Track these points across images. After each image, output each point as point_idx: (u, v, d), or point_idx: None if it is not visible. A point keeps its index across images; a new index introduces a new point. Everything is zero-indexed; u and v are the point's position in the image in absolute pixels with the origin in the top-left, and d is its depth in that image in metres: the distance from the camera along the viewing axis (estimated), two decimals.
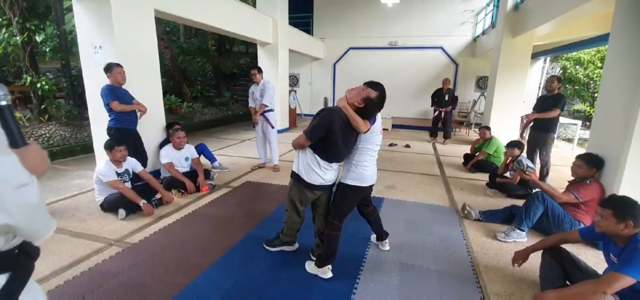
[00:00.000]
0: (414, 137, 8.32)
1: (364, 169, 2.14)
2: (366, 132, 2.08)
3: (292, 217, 2.37)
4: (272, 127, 4.73)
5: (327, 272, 2.23)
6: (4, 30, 6.46)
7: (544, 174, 4.38)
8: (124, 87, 3.66)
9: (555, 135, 4.43)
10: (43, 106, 6.54)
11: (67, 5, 7.89)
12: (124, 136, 3.53)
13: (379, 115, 2.16)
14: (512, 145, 4.05)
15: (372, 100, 1.99)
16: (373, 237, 2.74)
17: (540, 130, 4.36)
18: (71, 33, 7.31)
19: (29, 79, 6.30)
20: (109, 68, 3.52)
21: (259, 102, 4.60)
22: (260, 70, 4.61)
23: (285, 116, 8.74)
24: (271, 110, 4.71)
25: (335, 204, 2.20)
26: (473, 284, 2.24)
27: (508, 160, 4.17)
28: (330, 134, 1.98)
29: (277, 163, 4.97)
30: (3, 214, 0.70)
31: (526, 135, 4.75)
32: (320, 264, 2.24)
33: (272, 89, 4.64)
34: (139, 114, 3.80)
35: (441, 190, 4.24)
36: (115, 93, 3.54)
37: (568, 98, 10.77)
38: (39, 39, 6.90)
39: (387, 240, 2.65)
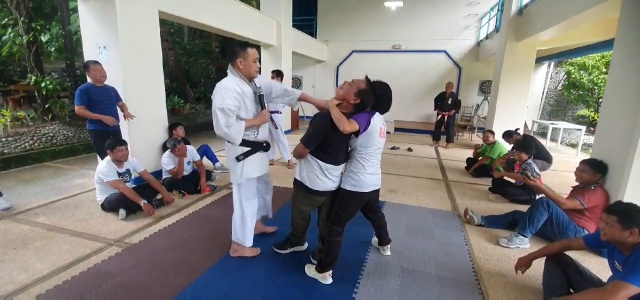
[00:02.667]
0: (416, 141, 8.29)
1: (363, 174, 2.06)
2: (351, 132, 1.97)
3: (298, 221, 2.39)
4: (276, 128, 5.00)
5: (327, 278, 2.21)
6: (10, 29, 6.53)
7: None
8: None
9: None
10: (47, 105, 6.59)
11: (73, 5, 7.98)
12: (103, 138, 3.37)
13: (379, 118, 2.08)
14: (520, 148, 3.82)
15: (365, 90, 1.99)
16: (374, 239, 2.72)
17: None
18: (76, 33, 7.36)
19: (33, 78, 6.35)
20: (87, 66, 3.51)
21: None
22: (278, 74, 5.12)
23: (288, 118, 8.76)
24: (278, 112, 5.02)
25: (335, 210, 2.14)
26: (475, 290, 2.21)
27: (510, 157, 4.11)
28: (326, 138, 1.99)
29: (288, 158, 5.25)
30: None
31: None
32: (320, 269, 2.22)
33: None
34: (121, 114, 3.69)
35: (443, 194, 4.21)
36: (86, 95, 3.42)
37: (572, 103, 10.73)
38: (44, 39, 6.96)
39: (388, 246, 2.62)
